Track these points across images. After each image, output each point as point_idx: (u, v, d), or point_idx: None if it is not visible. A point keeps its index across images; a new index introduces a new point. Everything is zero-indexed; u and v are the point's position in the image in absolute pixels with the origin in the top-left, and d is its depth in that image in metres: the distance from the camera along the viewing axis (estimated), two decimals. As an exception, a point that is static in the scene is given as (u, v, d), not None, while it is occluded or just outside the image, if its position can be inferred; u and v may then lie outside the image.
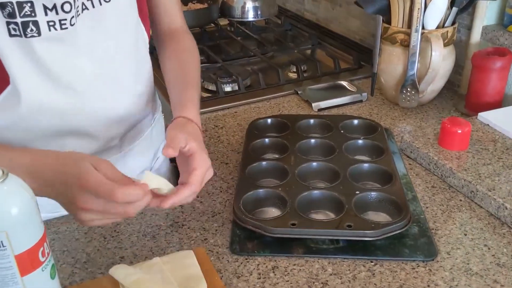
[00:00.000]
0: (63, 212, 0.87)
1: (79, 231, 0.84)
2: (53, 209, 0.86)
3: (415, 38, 1.08)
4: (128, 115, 0.90)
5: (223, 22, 1.79)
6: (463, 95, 1.25)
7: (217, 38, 1.68)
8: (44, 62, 0.74)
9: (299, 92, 1.27)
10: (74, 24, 0.75)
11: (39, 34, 0.72)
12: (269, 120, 1.08)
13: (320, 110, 1.20)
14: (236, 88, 1.31)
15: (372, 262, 0.76)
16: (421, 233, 0.81)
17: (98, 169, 0.63)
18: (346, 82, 1.30)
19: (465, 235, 0.82)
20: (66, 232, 0.84)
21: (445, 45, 1.10)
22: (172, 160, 1.18)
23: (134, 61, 0.89)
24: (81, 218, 0.65)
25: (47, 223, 0.85)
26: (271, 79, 1.36)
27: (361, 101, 1.24)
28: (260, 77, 1.32)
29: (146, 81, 0.93)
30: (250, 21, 1.76)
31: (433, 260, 0.77)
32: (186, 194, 0.70)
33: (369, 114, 1.18)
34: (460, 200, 0.90)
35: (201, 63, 1.45)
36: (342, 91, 1.27)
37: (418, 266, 0.76)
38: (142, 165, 1.01)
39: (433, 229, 0.83)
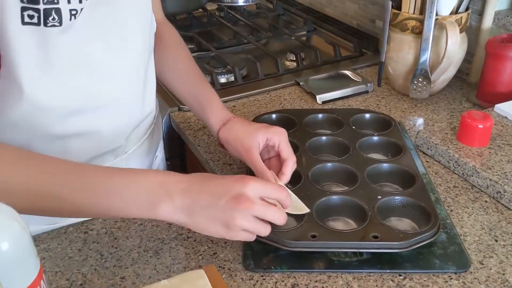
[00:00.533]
0: (59, 223, 0.79)
1: (72, 247, 0.75)
2: (54, 220, 0.78)
3: (429, 25, 1.00)
4: (136, 112, 0.82)
5: (212, 7, 1.69)
6: (473, 84, 1.19)
7: (207, 25, 1.58)
8: (57, 55, 0.66)
9: (301, 83, 1.18)
10: (82, 9, 0.66)
11: (60, 23, 0.63)
12: (273, 116, 1.00)
13: (324, 102, 1.12)
14: (232, 79, 1.22)
15: (401, 276, 0.70)
16: (450, 241, 0.74)
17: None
18: (350, 72, 1.22)
19: (496, 241, 0.76)
20: (57, 249, 0.75)
21: (460, 32, 1.02)
22: (167, 159, 1.10)
23: (148, 53, 0.81)
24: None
25: (35, 239, 0.76)
26: (268, 68, 1.28)
27: (367, 92, 1.16)
28: (258, 67, 1.23)
29: (154, 75, 0.86)
30: (240, 6, 1.67)
31: (466, 271, 0.70)
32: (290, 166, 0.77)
33: (377, 106, 1.11)
34: (486, 202, 0.83)
35: (192, 51, 1.38)
36: (346, 81, 1.19)
37: (451, 278, 0.69)
38: (144, 165, 0.92)
39: (461, 235, 0.76)
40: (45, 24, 0.62)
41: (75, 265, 0.72)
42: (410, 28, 1.05)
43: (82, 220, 0.79)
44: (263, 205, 0.63)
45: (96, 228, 0.78)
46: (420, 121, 1.05)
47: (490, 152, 0.89)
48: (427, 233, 0.71)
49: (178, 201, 0.61)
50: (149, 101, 0.86)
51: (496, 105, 1.01)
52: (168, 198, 0.61)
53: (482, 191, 0.85)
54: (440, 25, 1.00)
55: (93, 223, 0.79)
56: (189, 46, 1.39)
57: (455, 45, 0.99)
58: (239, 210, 0.61)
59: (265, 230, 0.64)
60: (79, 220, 0.79)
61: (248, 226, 0.62)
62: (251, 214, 0.62)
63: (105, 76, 0.73)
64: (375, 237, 0.70)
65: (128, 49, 0.76)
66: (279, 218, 0.64)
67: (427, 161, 0.93)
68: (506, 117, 0.99)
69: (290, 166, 0.77)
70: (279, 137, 0.78)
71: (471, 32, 1.15)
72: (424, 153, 0.95)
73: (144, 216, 0.62)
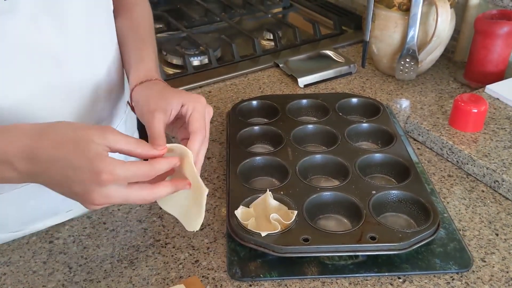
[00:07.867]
0: (29, 229, 0.71)
1: (36, 260, 0.67)
2: (18, 227, 0.70)
3: (417, 1, 0.94)
4: (101, 102, 0.72)
5: (180, -19, 1.58)
6: (459, 62, 1.13)
7: (176, 1, 1.48)
8: (4, 44, 0.56)
9: (280, 65, 1.11)
10: None
11: None
12: (254, 103, 0.92)
13: (306, 86, 1.05)
14: (206, 61, 1.14)
15: (400, 278, 0.64)
16: (449, 237, 0.69)
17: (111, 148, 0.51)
18: (331, 52, 1.15)
19: (497, 235, 0.71)
20: (20, 263, 0.66)
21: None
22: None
23: (108, 35, 0.71)
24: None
25: (-6, 251, 0.68)
26: (244, 49, 1.19)
27: (350, 73, 1.10)
28: (234, 48, 1.15)
29: (116, 58, 0.76)
30: (210, -20, 1.56)
31: (468, 270, 0.65)
32: (197, 143, 0.58)
33: (362, 89, 1.05)
34: (482, 191, 0.78)
35: (161, 31, 1.28)
36: (328, 62, 1.12)
37: (453, 279, 0.64)
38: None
39: (460, 229, 0.72)
40: None
41: (40, 280, 0.64)
42: (397, 5, 0.98)
43: (46, 228, 0.71)
44: (126, 178, 0.51)
45: (63, 236, 0.70)
46: (407, 103, 0.99)
47: (485, 138, 0.84)
48: (427, 231, 0.65)
49: (22, 168, 0.51)
50: (117, 85, 0.76)
51: (487, 86, 0.96)
52: (9, 165, 0.51)
53: (478, 180, 0.80)
54: (430, 2, 0.94)
55: (59, 230, 0.71)
56: (158, 26, 1.31)
57: (445, 23, 0.93)
58: (98, 187, 0.50)
59: (147, 195, 0.54)
60: (43, 228, 0.71)
61: (112, 200, 0.52)
62: (113, 186, 0.51)
63: (59, 66, 0.64)
64: (373, 238, 0.64)
65: (84, 30, 0.66)
66: (144, 198, 0.53)
67: (418, 148, 0.87)
68: (498, 99, 0.94)
69: (196, 142, 0.59)
70: (194, 105, 0.61)
71: (457, 7, 1.09)
72: (414, 139, 0.90)
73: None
